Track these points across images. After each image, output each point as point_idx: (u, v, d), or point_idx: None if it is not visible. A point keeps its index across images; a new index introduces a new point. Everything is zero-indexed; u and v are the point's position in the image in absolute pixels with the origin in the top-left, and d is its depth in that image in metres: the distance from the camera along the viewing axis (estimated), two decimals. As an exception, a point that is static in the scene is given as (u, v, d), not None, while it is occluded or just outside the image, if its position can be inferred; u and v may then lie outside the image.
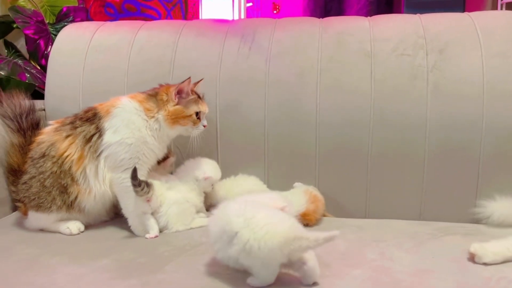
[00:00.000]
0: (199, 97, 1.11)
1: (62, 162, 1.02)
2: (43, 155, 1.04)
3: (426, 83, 1.16)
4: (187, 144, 1.17)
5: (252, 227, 0.74)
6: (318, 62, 1.22)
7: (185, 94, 1.07)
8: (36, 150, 1.06)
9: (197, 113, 1.09)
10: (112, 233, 1.05)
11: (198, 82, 1.14)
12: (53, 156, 1.03)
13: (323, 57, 1.23)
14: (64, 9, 1.83)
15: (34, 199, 1.04)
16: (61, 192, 1.03)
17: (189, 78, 1.06)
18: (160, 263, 0.87)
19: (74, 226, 1.05)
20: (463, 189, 1.15)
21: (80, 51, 1.35)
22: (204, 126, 1.11)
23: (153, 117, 1.06)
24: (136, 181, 0.98)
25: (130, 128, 1.03)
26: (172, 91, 1.06)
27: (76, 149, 1.02)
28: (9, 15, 1.69)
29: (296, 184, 1.21)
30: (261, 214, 0.77)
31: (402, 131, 1.17)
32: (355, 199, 1.22)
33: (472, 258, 0.87)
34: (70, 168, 1.02)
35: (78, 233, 1.05)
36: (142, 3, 2.02)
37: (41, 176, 1.03)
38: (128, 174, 1.01)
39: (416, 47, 1.20)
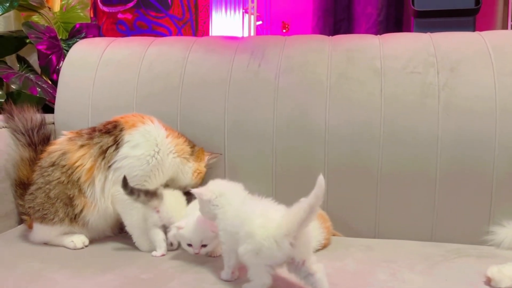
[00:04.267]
0: None
1: (72, 172, 1.00)
2: (53, 164, 1.02)
3: (437, 101, 1.15)
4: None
5: (268, 227, 0.75)
6: (328, 78, 1.22)
7: (209, 163, 1.19)
8: (46, 159, 1.05)
9: None
10: (117, 248, 1.04)
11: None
12: (63, 166, 1.01)
13: (333, 73, 1.22)
14: (77, 26, 1.87)
15: (38, 210, 1.03)
16: (65, 204, 1.02)
17: (221, 154, 1.21)
18: (164, 279, 0.85)
19: (79, 239, 1.04)
20: (476, 209, 1.12)
21: (91, 66, 1.37)
22: None
23: (183, 158, 1.11)
24: (127, 189, 0.96)
25: (155, 148, 1.03)
26: (206, 156, 1.18)
27: (89, 160, 1.00)
28: (22, 30, 1.72)
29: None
30: (277, 214, 0.78)
31: (413, 148, 1.15)
32: (364, 218, 1.19)
33: (488, 282, 0.84)
34: (79, 179, 1.00)
35: (83, 247, 1.04)
36: (154, 20, 2.05)
37: (47, 186, 1.02)
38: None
39: (426, 65, 1.19)
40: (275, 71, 1.26)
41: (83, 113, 1.33)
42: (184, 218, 0.98)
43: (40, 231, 1.05)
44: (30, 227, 1.10)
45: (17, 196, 1.18)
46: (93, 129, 1.06)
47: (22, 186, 1.18)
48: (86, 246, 1.05)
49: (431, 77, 1.17)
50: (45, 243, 1.06)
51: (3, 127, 1.19)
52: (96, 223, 1.05)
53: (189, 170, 1.12)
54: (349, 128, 1.18)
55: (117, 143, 1.01)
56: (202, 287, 0.82)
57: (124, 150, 1.00)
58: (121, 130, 1.03)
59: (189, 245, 0.94)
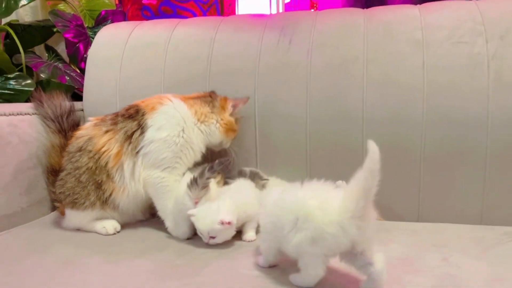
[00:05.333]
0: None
1: (99, 157, 0.99)
2: (80, 149, 1.02)
3: (487, 73, 1.05)
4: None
5: (323, 207, 0.68)
6: (364, 53, 1.14)
7: (236, 111, 1.10)
8: (73, 144, 1.05)
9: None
10: (149, 233, 1.01)
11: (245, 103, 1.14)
12: (90, 151, 1.00)
13: (369, 47, 1.14)
14: (103, 13, 1.85)
15: (69, 195, 1.02)
16: (96, 187, 1.00)
17: (248, 98, 1.13)
18: (198, 265, 0.82)
19: (110, 225, 1.02)
20: (532, 190, 1.03)
21: (117, 50, 1.34)
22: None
23: (204, 121, 1.05)
24: (213, 171, 0.92)
25: (178, 127, 1.00)
26: (229, 103, 1.09)
27: (115, 145, 0.99)
28: (49, 19, 1.71)
29: (338, 182, 1.12)
30: (330, 193, 0.70)
31: (460, 128, 1.06)
32: (406, 201, 1.12)
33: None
34: (106, 164, 0.99)
35: (114, 233, 1.02)
36: (178, 5, 2.00)
37: (77, 171, 1.01)
38: (167, 174, 0.99)
39: (473, 34, 1.09)
40: (307, 48, 1.19)
41: (111, 98, 1.31)
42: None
43: (72, 216, 1.04)
44: (63, 213, 1.09)
45: (49, 183, 1.18)
46: (116, 115, 1.05)
47: (53, 173, 1.17)
48: (118, 232, 1.03)
49: (479, 47, 1.08)
50: (78, 229, 1.04)
51: (33, 113, 1.18)
52: (126, 207, 1.03)
53: (214, 129, 1.06)
54: (389, 106, 1.10)
55: (141, 128, 0.99)
56: (239, 273, 0.78)
57: (149, 134, 0.98)
58: (143, 114, 1.01)
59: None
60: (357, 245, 0.67)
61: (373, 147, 0.64)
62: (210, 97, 1.09)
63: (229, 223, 0.87)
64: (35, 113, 1.19)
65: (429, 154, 1.08)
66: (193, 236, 0.96)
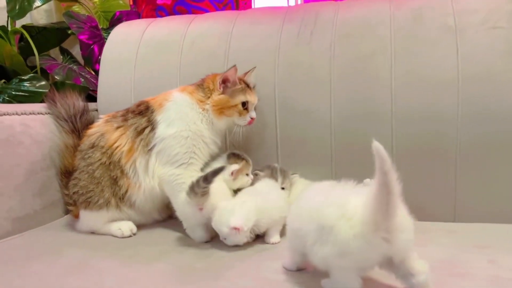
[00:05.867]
0: (248, 86, 1.03)
1: (112, 153, 0.96)
2: (92, 146, 0.99)
3: (527, 58, 0.97)
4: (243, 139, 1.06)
5: (348, 217, 0.60)
6: (391, 42, 1.07)
7: (231, 83, 1.00)
8: (85, 142, 1.02)
9: (243, 103, 1.00)
10: (166, 235, 0.95)
11: (249, 71, 1.07)
12: (102, 147, 0.97)
13: (397, 36, 1.07)
14: (117, 14, 1.82)
15: (83, 193, 0.98)
16: (110, 183, 0.97)
17: (235, 66, 0.99)
18: (220, 269, 0.75)
19: (126, 226, 0.97)
20: None
21: (132, 48, 1.30)
22: (251, 118, 1.02)
23: (204, 109, 0.99)
24: (207, 181, 0.85)
25: (185, 121, 0.97)
26: (218, 80, 1.00)
27: (127, 141, 0.97)
28: (64, 22, 1.69)
29: (366, 181, 1.04)
30: (355, 199, 0.62)
31: (498, 121, 0.98)
32: (441, 201, 1.03)
33: None
34: (119, 160, 0.96)
35: (130, 235, 0.96)
36: (193, 4, 1.97)
37: (90, 167, 0.98)
38: (182, 170, 0.94)
39: (511, 18, 1.01)
40: (329, 39, 1.12)
41: (126, 97, 1.27)
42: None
43: (86, 218, 1.00)
44: (76, 217, 1.05)
45: (62, 185, 1.13)
46: (127, 111, 1.02)
47: (67, 174, 1.13)
48: (134, 234, 0.98)
49: (518, 32, 1.00)
50: (92, 232, 0.99)
51: (46, 113, 1.14)
52: (142, 204, 0.99)
53: (212, 115, 0.99)
54: (419, 100, 1.03)
55: (152, 124, 0.97)
56: (264, 277, 0.72)
57: (159, 131, 0.96)
58: (152, 112, 0.99)
59: None
60: (393, 256, 0.60)
61: (377, 146, 0.55)
62: (201, 81, 1.04)
63: (237, 229, 0.81)
64: (48, 113, 1.15)
65: (465, 150, 1.00)
66: (213, 239, 0.90)
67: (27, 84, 1.46)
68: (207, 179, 0.85)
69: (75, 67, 1.70)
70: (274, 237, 0.88)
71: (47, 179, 1.09)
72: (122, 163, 0.96)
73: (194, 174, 0.95)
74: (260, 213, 0.86)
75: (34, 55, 1.57)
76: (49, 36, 1.75)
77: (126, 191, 0.96)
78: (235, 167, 0.97)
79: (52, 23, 1.79)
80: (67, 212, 1.14)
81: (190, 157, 0.95)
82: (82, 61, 1.80)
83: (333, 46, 1.11)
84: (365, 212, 0.58)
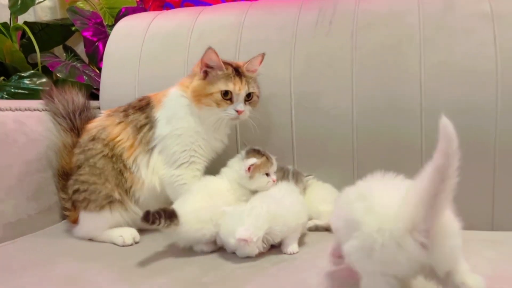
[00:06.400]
0: (238, 73, 0.89)
1: (114, 145, 0.91)
2: (93, 138, 0.93)
3: None
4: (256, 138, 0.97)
5: (379, 213, 0.51)
6: (420, 31, 0.97)
7: (215, 68, 0.88)
8: (84, 137, 0.95)
9: (225, 93, 0.87)
10: (171, 245, 0.84)
11: (254, 58, 0.93)
12: (104, 139, 0.92)
13: (426, 24, 0.97)
14: (123, 10, 1.74)
15: (83, 190, 0.91)
16: (116, 174, 0.90)
17: (210, 48, 0.87)
18: (232, 283, 0.66)
19: (129, 234, 0.88)
20: None
21: (136, 42, 1.22)
22: (237, 111, 0.87)
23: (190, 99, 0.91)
24: (148, 221, 0.73)
25: (177, 117, 0.90)
26: (198, 63, 0.89)
27: (128, 137, 0.91)
28: (68, 18, 1.62)
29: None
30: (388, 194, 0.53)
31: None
32: (477, 206, 0.93)
33: None
34: (121, 154, 0.90)
35: (132, 244, 0.87)
36: (202, 1, 1.89)
37: (91, 160, 0.91)
38: (183, 171, 0.88)
39: (556, 1, 0.91)
40: (350, 29, 1.02)
41: (130, 95, 1.17)
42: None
43: (86, 220, 0.92)
44: (74, 222, 0.97)
45: (59, 188, 1.05)
46: (129, 106, 0.97)
47: (64, 176, 1.05)
48: (137, 242, 0.88)
49: None
50: (91, 239, 0.90)
51: (43, 110, 1.06)
52: (146, 202, 0.91)
53: (193, 105, 0.89)
54: (453, 93, 0.92)
55: (150, 122, 0.91)
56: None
57: (158, 130, 0.90)
58: (152, 108, 0.93)
59: None
60: (435, 267, 0.50)
61: (445, 123, 0.46)
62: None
63: (245, 240, 0.71)
64: (45, 109, 1.06)
65: (505, 148, 0.90)
66: (219, 249, 0.81)
67: (27, 82, 1.39)
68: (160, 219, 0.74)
69: (78, 65, 1.63)
70: (292, 247, 0.78)
71: (43, 181, 1.01)
72: (124, 158, 0.90)
73: (197, 173, 0.89)
74: (273, 221, 0.75)
75: (36, 52, 1.50)
76: (53, 33, 1.68)
77: (131, 186, 0.90)
78: (252, 161, 0.84)
79: (55, 19, 1.72)
80: (64, 217, 1.05)
81: (190, 156, 0.88)
82: (86, 60, 1.73)
83: (354, 36, 1.02)
84: (403, 205, 0.49)
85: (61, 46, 1.72)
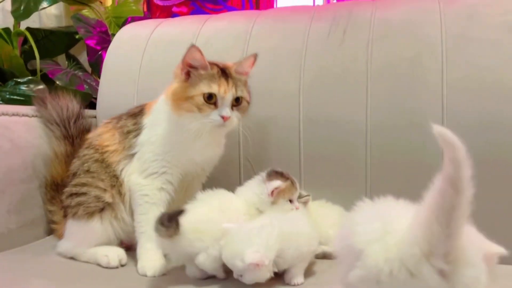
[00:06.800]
0: (224, 73, 0.80)
1: (103, 151, 0.86)
2: (88, 146, 0.89)
3: None
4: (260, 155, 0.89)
5: (386, 241, 0.45)
6: (442, 42, 0.89)
7: (199, 68, 0.78)
8: (84, 146, 0.91)
9: (209, 96, 0.77)
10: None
11: (245, 59, 0.84)
12: (95, 145, 0.88)
13: (449, 35, 0.89)
14: (129, 20, 1.70)
15: (76, 194, 0.84)
16: (110, 176, 0.84)
17: (193, 45, 0.78)
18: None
19: (114, 254, 0.79)
20: None
21: (138, 49, 1.16)
22: (223, 117, 0.77)
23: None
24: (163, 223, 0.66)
25: (156, 124, 0.84)
26: (180, 64, 0.80)
27: (114, 142, 0.86)
28: (72, 26, 1.58)
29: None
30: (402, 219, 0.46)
31: None
32: (507, 233, 0.82)
33: None
34: (109, 159, 0.85)
35: (117, 266, 0.78)
36: (210, 13, 1.84)
37: (85, 165, 0.86)
38: (150, 181, 0.81)
39: None
40: (366, 39, 0.95)
41: (128, 103, 1.10)
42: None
43: (73, 231, 0.84)
44: (61, 236, 0.88)
45: (47, 200, 0.97)
46: (126, 112, 0.92)
47: (54, 187, 0.98)
48: (123, 265, 0.79)
49: None
50: (74, 257, 0.82)
51: (33, 116, 0.99)
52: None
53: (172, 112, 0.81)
54: (477, 109, 0.84)
55: (138, 129, 0.86)
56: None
57: (141, 137, 0.84)
58: (143, 115, 0.87)
59: None
60: None
61: (440, 131, 0.40)
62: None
63: (257, 265, 0.60)
64: (35, 116, 1.00)
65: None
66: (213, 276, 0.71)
67: (24, 88, 1.33)
68: (163, 223, 0.65)
69: (80, 73, 1.57)
70: (298, 278, 0.68)
71: (27, 192, 0.93)
72: (113, 162, 0.85)
73: (166, 186, 0.81)
74: (285, 243, 0.65)
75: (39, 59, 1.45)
76: (56, 41, 1.64)
77: (126, 192, 0.84)
78: (277, 183, 0.75)
79: (59, 26, 1.68)
80: (49, 232, 0.97)
81: (162, 166, 0.80)
82: (89, 69, 1.68)
83: (370, 47, 0.94)
84: (414, 226, 0.43)
85: (64, 55, 1.68)
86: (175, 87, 0.80)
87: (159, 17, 1.83)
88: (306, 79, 0.97)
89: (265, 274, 0.63)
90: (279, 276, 0.69)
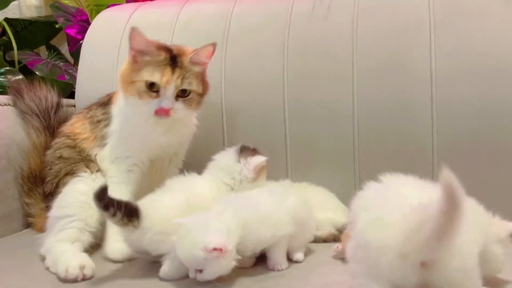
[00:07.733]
0: (173, 61, 0.75)
1: (75, 137, 0.86)
2: (61, 134, 0.89)
3: None
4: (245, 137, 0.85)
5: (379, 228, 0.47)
6: (431, 13, 0.85)
7: (145, 54, 0.74)
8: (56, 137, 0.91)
9: (151, 84, 0.73)
10: (130, 277, 0.66)
11: (203, 47, 0.78)
12: (67, 133, 0.88)
13: (438, 6, 0.85)
14: (110, 7, 1.65)
15: (53, 178, 0.84)
16: (83, 159, 0.83)
17: (133, 28, 0.74)
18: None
19: (75, 262, 0.64)
20: None
21: (116, 35, 1.11)
22: (162, 108, 0.72)
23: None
24: (101, 202, 0.59)
25: (120, 111, 0.82)
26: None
27: (85, 131, 0.86)
28: (52, 16, 1.53)
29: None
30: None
31: None
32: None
33: None
34: (82, 145, 0.85)
35: (76, 278, 0.63)
36: None
37: (57, 152, 0.85)
38: (115, 166, 0.80)
39: None
40: (351, 13, 0.91)
41: (107, 91, 1.06)
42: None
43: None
44: (40, 230, 0.84)
45: (23, 193, 0.93)
46: (97, 101, 0.91)
47: (32, 179, 0.94)
48: (86, 278, 0.63)
49: None
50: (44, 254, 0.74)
51: (6, 104, 0.95)
52: None
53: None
54: (471, 87, 0.81)
55: (108, 118, 0.84)
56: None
57: (111, 127, 0.83)
58: (111, 104, 0.86)
59: None
60: None
61: (448, 182, 0.39)
62: None
63: (220, 250, 0.54)
64: (8, 104, 0.95)
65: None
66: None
67: (1, 79, 1.28)
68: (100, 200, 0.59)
69: (61, 63, 1.52)
70: (282, 264, 0.64)
71: (2, 184, 0.89)
72: (86, 149, 0.84)
73: (133, 169, 0.80)
74: (245, 229, 0.59)
75: (18, 50, 1.41)
76: (36, 32, 1.58)
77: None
78: (260, 159, 0.71)
79: (39, 17, 1.63)
80: (27, 226, 0.93)
81: (125, 150, 0.79)
82: (72, 60, 1.63)
83: (355, 22, 0.90)
84: (404, 230, 0.44)
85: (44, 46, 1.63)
86: (123, 68, 0.77)
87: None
88: (289, 58, 0.93)
89: (230, 263, 0.56)
90: (263, 261, 0.66)
